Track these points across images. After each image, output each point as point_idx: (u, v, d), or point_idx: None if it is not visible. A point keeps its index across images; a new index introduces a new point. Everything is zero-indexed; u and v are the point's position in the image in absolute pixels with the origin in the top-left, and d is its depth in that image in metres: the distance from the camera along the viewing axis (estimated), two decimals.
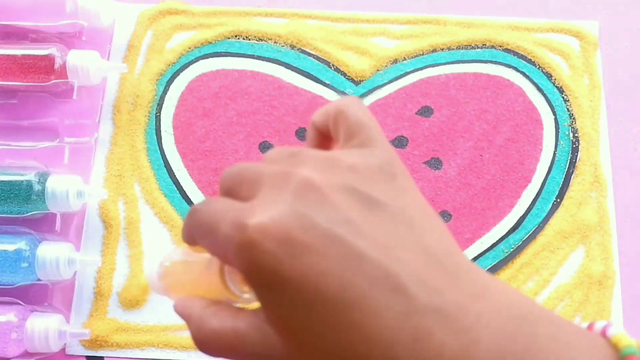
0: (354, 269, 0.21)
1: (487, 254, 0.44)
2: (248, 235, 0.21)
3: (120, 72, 0.48)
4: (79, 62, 0.45)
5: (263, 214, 0.22)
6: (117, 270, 0.44)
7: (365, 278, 0.21)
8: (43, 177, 0.42)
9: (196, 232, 0.25)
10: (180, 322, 0.43)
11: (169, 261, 0.29)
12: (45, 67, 0.45)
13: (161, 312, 0.43)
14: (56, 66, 0.45)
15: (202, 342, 0.25)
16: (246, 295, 0.26)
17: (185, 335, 0.42)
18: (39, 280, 0.41)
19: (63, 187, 0.42)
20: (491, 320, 0.21)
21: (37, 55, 0.45)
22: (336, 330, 0.21)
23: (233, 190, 0.24)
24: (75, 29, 0.48)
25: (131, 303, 0.43)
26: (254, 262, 0.21)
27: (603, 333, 0.23)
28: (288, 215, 0.21)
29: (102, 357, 0.42)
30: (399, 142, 0.47)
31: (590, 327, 0.23)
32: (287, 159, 0.23)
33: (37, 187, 0.42)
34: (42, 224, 0.44)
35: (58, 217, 0.44)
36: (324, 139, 0.27)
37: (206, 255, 0.26)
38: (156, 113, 0.48)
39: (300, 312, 0.21)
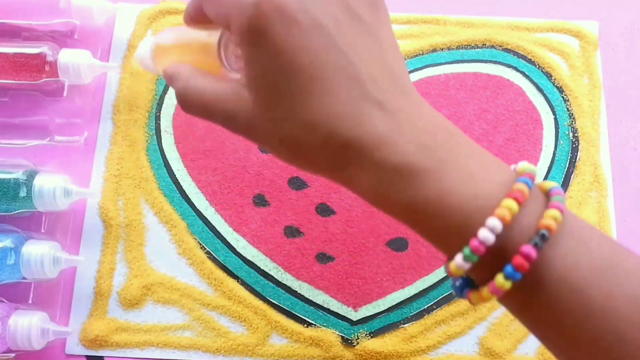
0: (327, 52, 0.26)
1: None
2: None
3: (112, 71, 0.47)
4: (70, 60, 0.46)
5: None
6: (117, 270, 0.44)
7: (333, 62, 0.26)
8: (31, 176, 0.42)
9: None
10: (180, 322, 0.44)
11: (162, 40, 0.33)
12: (36, 65, 0.45)
13: (161, 312, 0.43)
14: (47, 65, 0.45)
15: (184, 97, 0.30)
16: (235, 75, 0.30)
17: (186, 335, 0.42)
18: (24, 278, 0.41)
19: (50, 186, 0.42)
20: (419, 122, 0.27)
21: (29, 54, 0.45)
22: (298, 95, 0.26)
23: None
24: (68, 27, 0.48)
25: (131, 303, 0.43)
26: (252, 20, 0.26)
27: (515, 169, 0.27)
28: None
29: (102, 357, 0.42)
30: None
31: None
32: None
33: (24, 185, 0.42)
34: (28, 223, 0.44)
35: (45, 216, 0.44)
36: None
37: (200, 35, 0.30)
38: (156, 113, 0.48)
39: (275, 72, 0.26)
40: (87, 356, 0.42)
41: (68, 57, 0.46)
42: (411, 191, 0.26)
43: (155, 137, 0.47)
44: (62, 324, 0.42)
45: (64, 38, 0.48)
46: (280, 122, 0.27)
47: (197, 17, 0.31)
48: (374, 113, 0.26)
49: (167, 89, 0.48)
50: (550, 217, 0.24)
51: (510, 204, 0.24)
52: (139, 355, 0.42)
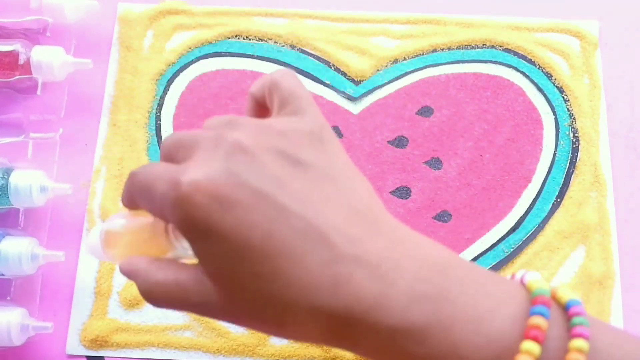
0: (278, 221, 0.23)
1: (487, 254, 0.44)
2: (182, 191, 0.23)
3: (85, 68, 0.47)
4: (43, 58, 0.46)
5: (196, 171, 0.23)
6: (117, 270, 0.44)
7: (288, 229, 0.23)
8: (7, 173, 0.42)
9: (135, 194, 0.26)
10: (181, 322, 0.43)
11: (111, 228, 0.30)
12: (9, 63, 0.46)
13: (161, 313, 0.43)
14: (20, 62, 0.46)
15: (148, 294, 0.26)
16: (190, 252, 0.26)
17: (186, 336, 0.42)
18: (2, 275, 0.41)
19: (26, 183, 0.42)
20: (407, 267, 0.23)
21: (1, 52, 0.46)
22: (263, 277, 0.23)
23: (171, 155, 0.26)
24: (40, 25, 0.49)
25: (131, 303, 0.43)
26: (188, 215, 0.23)
27: (521, 281, 0.24)
28: (219, 173, 0.23)
29: (103, 357, 0.42)
30: (399, 142, 0.47)
31: (512, 277, 0.25)
32: (223, 125, 0.25)
33: (0, 182, 0.42)
34: (5, 219, 0.44)
35: (21, 212, 0.44)
36: (261, 109, 0.29)
37: (148, 218, 0.28)
38: (156, 113, 0.48)
39: (230, 262, 0.23)
40: (87, 356, 0.42)
41: (41, 54, 0.46)
42: (417, 351, 0.22)
43: (155, 137, 0.47)
44: (42, 320, 0.42)
45: (36, 35, 0.48)
46: (257, 308, 0.24)
47: (134, 207, 0.28)
48: (352, 271, 0.22)
49: (168, 90, 0.48)
50: (576, 349, 0.22)
51: (530, 347, 0.22)
52: (139, 355, 0.42)
